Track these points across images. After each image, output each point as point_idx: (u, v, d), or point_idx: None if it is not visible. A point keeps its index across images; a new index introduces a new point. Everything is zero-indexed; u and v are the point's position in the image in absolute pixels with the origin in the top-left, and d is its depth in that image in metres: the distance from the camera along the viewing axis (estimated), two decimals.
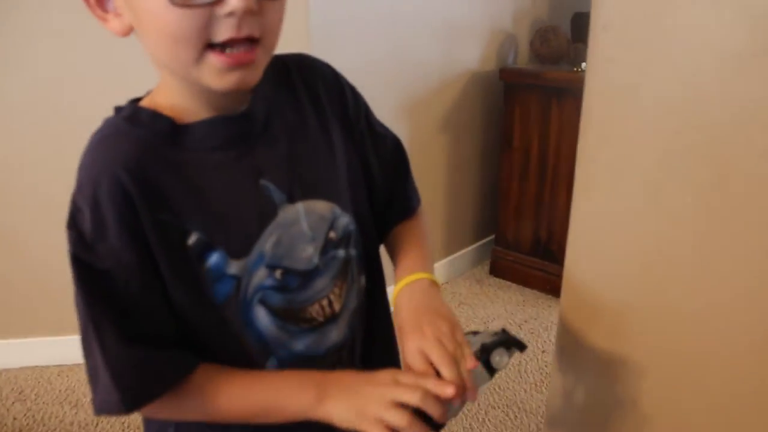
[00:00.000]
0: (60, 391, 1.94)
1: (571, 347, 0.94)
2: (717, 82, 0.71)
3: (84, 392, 1.93)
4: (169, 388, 0.67)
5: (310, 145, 0.75)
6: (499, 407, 1.89)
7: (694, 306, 0.79)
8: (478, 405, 1.89)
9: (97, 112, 0.71)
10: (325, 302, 0.75)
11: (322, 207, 0.74)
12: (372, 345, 0.83)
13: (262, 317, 0.71)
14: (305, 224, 0.72)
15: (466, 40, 2.56)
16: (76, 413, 1.85)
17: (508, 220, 2.68)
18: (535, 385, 2.00)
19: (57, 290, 1.87)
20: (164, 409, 0.70)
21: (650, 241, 0.81)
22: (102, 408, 0.66)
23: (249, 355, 0.72)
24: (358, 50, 2.08)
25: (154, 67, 0.67)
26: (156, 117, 0.67)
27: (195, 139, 0.67)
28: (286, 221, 0.71)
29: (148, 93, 0.70)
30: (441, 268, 2.67)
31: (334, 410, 0.65)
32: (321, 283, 0.74)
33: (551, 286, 2.54)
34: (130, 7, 0.61)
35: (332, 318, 0.76)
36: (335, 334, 0.77)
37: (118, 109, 0.69)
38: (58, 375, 2.01)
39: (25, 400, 1.91)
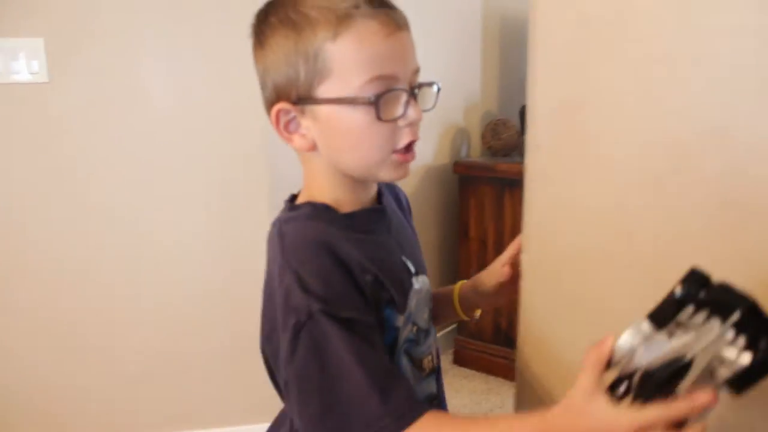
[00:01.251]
0: None
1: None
2: (638, 196, 0.77)
3: None
4: (426, 410, 0.70)
5: (410, 234, 0.99)
6: None
7: None
8: None
9: None
10: (430, 357, 0.93)
11: (427, 283, 0.94)
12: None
13: (405, 363, 0.87)
14: (423, 293, 0.92)
15: (420, 134, 2.66)
16: None
17: None
18: None
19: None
20: None
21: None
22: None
23: None
24: None
25: (313, 171, 0.86)
26: (327, 208, 0.84)
27: (359, 223, 0.85)
28: (417, 289, 0.90)
29: (299, 193, 0.89)
30: None
31: None
32: (429, 341, 0.93)
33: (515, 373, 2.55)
34: (327, 126, 0.79)
35: (433, 371, 0.94)
36: (434, 385, 0.95)
37: (292, 205, 0.87)
38: None
39: None
